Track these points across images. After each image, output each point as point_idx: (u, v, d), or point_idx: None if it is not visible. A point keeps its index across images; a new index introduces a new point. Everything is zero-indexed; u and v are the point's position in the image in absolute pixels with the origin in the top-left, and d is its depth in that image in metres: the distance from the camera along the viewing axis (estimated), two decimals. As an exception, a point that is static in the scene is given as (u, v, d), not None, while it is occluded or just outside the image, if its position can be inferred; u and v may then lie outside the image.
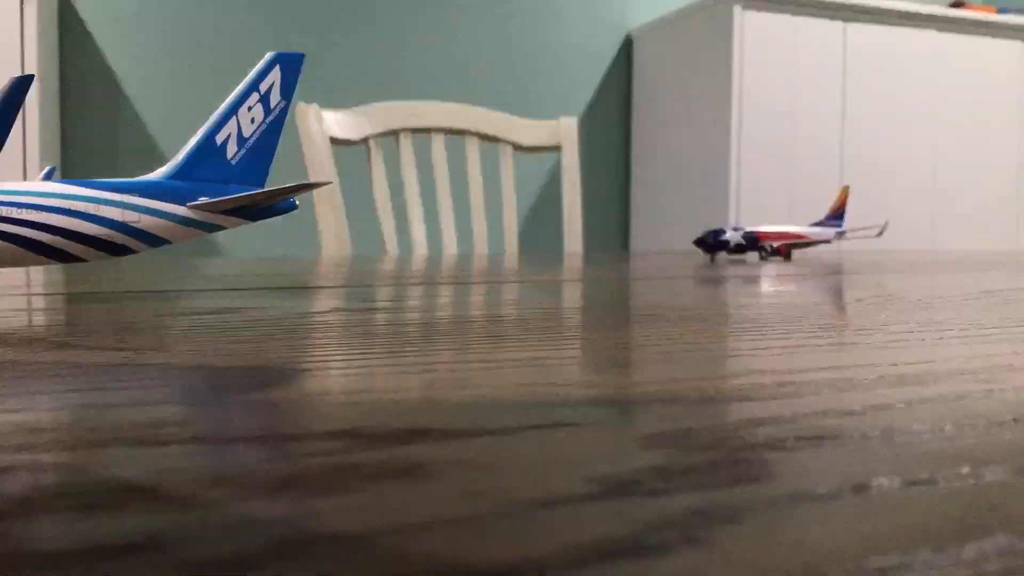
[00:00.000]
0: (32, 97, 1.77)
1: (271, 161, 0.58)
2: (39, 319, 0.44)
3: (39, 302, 0.54)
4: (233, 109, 0.57)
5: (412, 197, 1.47)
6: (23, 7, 1.76)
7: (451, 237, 1.51)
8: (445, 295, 0.60)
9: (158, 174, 0.55)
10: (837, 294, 0.57)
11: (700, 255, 1.12)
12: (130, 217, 0.52)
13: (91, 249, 0.52)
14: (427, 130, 1.50)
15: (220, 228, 0.56)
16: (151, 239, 0.53)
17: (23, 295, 0.57)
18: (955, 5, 2.61)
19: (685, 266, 1.00)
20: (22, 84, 0.41)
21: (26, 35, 1.77)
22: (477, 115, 1.53)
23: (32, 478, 0.14)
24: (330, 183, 0.54)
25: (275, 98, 0.59)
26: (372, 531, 0.12)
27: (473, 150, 1.52)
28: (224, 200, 0.54)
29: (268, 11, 2.28)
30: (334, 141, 1.42)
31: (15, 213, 0.49)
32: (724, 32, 2.27)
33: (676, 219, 2.39)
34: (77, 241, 0.51)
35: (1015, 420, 0.18)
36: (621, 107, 2.64)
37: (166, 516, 0.12)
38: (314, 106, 1.41)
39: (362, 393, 0.22)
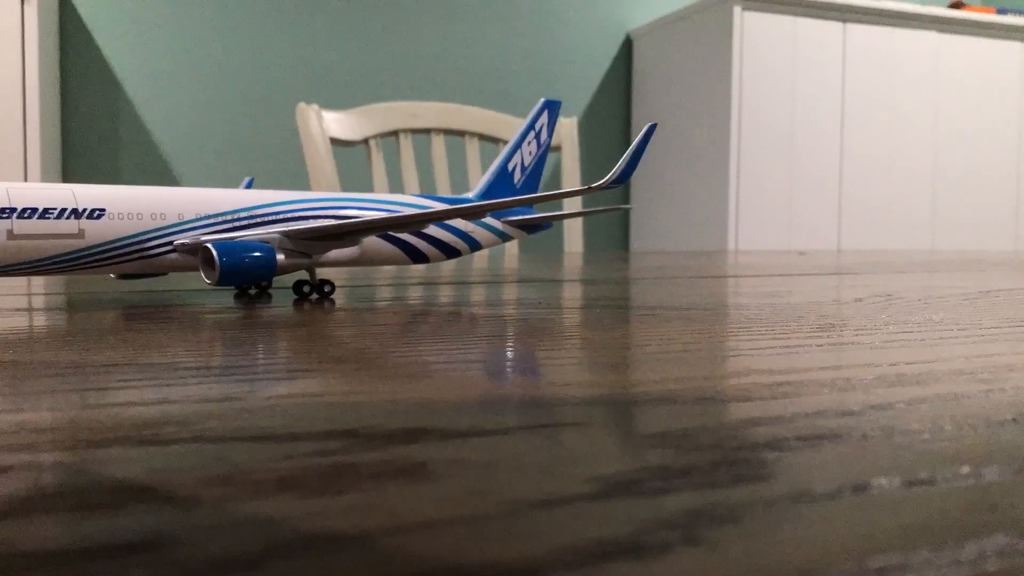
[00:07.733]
0: (32, 97, 1.77)
1: (539, 185, 0.72)
2: (40, 319, 0.44)
3: (39, 301, 0.54)
4: (518, 144, 0.70)
5: (412, 197, 1.48)
6: (23, 7, 1.76)
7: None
8: (445, 294, 0.60)
9: (471, 193, 0.68)
10: (836, 294, 0.57)
11: (699, 255, 1.11)
12: (469, 227, 0.63)
13: (438, 252, 0.62)
14: (427, 130, 1.50)
15: (511, 239, 0.68)
16: (475, 245, 0.64)
17: (24, 295, 0.57)
18: (955, 6, 2.62)
19: (684, 266, 1.00)
20: (650, 131, 0.50)
21: (27, 35, 1.77)
22: (477, 115, 1.53)
23: (33, 478, 0.14)
24: (631, 207, 0.71)
25: (544, 135, 0.72)
26: (372, 531, 0.12)
27: (473, 150, 1.52)
28: (531, 218, 0.67)
29: (268, 11, 2.28)
30: (334, 141, 1.42)
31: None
32: (724, 32, 2.27)
33: (676, 219, 2.39)
34: (434, 245, 0.61)
35: (1014, 420, 0.18)
36: (621, 107, 2.64)
37: (166, 516, 0.12)
38: (314, 106, 1.41)
39: (362, 393, 0.22)
